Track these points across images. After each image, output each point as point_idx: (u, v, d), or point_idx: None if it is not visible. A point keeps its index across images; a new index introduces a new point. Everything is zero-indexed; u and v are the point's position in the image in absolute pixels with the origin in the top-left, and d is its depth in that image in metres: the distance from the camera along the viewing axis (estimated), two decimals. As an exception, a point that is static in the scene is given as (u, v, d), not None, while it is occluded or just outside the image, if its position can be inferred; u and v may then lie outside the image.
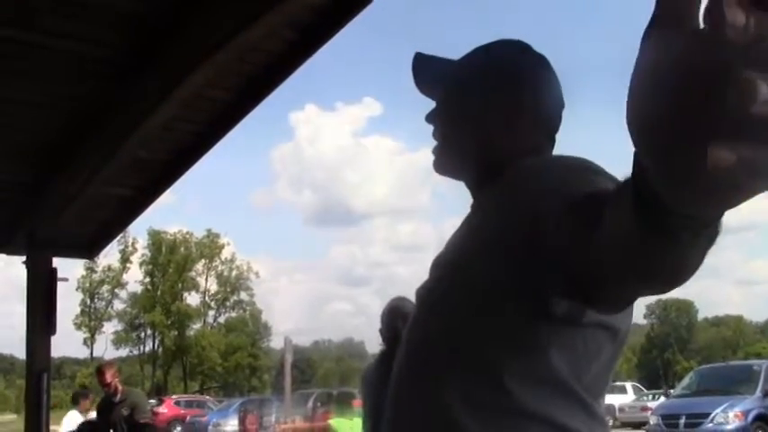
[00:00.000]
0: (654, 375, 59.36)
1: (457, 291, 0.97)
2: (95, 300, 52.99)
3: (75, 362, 61.45)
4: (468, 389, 0.93)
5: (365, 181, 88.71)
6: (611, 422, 19.80)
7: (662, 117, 0.45)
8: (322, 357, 73.66)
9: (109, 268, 51.57)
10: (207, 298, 56.33)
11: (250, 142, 76.59)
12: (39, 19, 2.40)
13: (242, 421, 11.88)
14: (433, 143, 1.15)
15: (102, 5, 2.38)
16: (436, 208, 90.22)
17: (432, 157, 1.15)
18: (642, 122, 0.47)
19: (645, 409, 21.51)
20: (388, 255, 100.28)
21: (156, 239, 52.34)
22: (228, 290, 56.63)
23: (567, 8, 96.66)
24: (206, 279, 55.95)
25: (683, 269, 0.64)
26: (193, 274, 55.00)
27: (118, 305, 53.65)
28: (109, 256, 48.09)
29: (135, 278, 52.21)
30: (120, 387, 6.53)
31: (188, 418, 27.09)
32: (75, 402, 8.14)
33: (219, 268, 56.14)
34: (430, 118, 1.16)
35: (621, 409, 23.76)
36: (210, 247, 54.98)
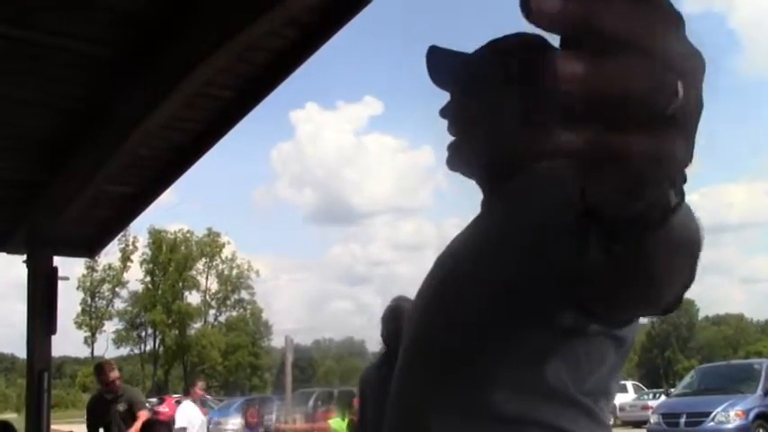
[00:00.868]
0: (654, 374, 59.46)
1: (459, 292, 0.95)
2: (96, 299, 53.11)
3: (76, 361, 61.60)
4: (468, 394, 0.91)
5: (366, 179, 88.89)
6: (611, 421, 19.65)
7: None
8: (323, 356, 73.63)
9: (109, 267, 51.75)
10: (207, 297, 56.49)
11: (251, 141, 76.70)
12: (38, 18, 2.39)
13: (244, 414, 12.06)
14: (446, 138, 1.11)
15: (101, 5, 2.38)
16: (437, 206, 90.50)
17: (446, 153, 1.11)
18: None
19: (645, 407, 21.52)
20: (389, 253, 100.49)
21: (157, 238, 52.42)
22: (229, 289, 56.71)
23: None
24: (206, 278, 56.09)
25: (660, 277, 0.64)
26: (194, 272, 55.11)
27: (118, 304, 53.86)
28: (109, 254, 48.35)
29: (136, 277, 52.41)
30: (118, 383, 6.54)
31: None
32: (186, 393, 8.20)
33: (220, 267, 56.31)
34: (444, 112, 1.12)
35: (622, 408, 23.70)
36: (211, 246, 55.07)
